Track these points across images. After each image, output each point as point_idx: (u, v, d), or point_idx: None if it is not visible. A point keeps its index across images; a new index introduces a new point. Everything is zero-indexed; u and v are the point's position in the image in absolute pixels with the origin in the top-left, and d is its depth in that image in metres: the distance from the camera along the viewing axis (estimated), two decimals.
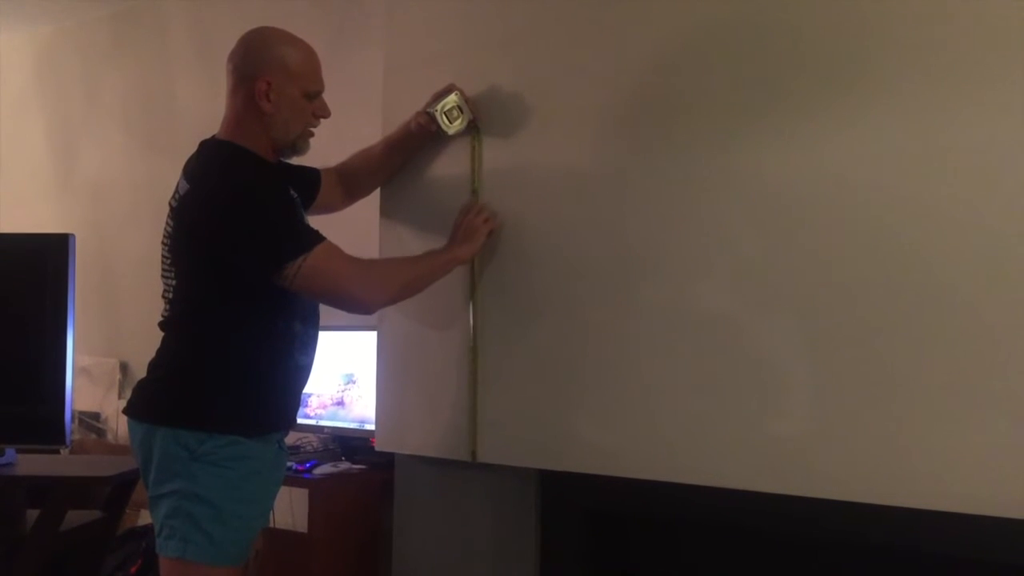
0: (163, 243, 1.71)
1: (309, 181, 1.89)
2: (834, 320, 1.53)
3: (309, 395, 2.81)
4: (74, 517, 2.52)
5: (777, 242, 1.59)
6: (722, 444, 1.61)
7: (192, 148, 1.74)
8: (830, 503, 1.51)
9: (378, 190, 2.08)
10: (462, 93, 1.88)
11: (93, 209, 3.93)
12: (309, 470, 2.62)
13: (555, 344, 1.82)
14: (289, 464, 2.20)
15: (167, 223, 1.70)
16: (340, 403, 2.83)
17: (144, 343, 1.80)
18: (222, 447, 1.60)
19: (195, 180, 1.66)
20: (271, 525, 2.21)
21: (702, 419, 1.64)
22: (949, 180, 1.44)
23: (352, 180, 1.99)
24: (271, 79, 1.66)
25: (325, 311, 1.75)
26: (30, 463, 2.61)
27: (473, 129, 1.92)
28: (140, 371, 1.75)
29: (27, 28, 4.22)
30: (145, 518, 3.12)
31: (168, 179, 1.76)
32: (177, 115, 3.64)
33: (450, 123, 1.87)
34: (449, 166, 1.99)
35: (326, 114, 1.75)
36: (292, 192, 1.76)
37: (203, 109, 2.78)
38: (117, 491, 2.67)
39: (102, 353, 3.79)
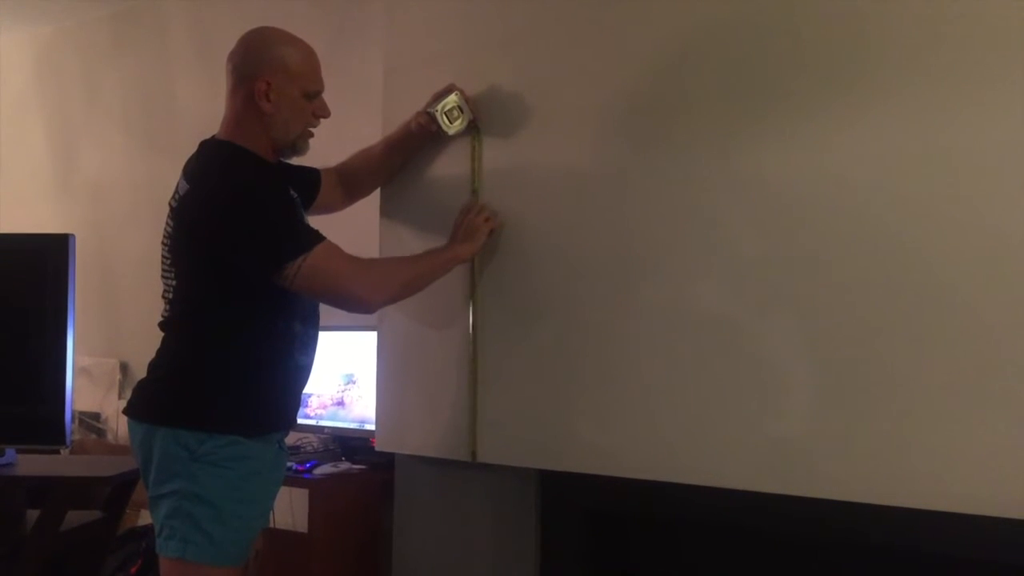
0: (163, 243, 1.71)
1: (309, 181, 1.89)
2: (834, 320, 1.52)
3: (309, 395, 2.80)
4: (74, 517, 2.52)
5: (777, 242, 1.59)
6: (722, 444, 1.61)
7: (192, 148, 1.74)
8: (830, 503, 1.51)
9: (378, 190, 2.08)
10: (462, 93, 1.88)
11: (93, 209, 3.93)
12: (309, 470, 2.62)
13: (555, 344, 1.82)
14: (289, 464, 2.20)
15: (167, 223, 1.70)
16: (340, 403, 2.83)
17: (144, 343, 1.80)
18: (222, 447, 1.60)
19: (195, 180, 1.66)
20: (271, 525, 2.21)
21: (702, 419, 1.64)
22: (949, 180, 1.44)
23: (352, 180, 1.99)
24: (271, 79, 1.66)
25: (325, 311, 1.75)
26: (30, 463, 2.61)
27: (473, 129, 1.92)
28: (140, 371, 1.75)
29: (27, 28, 4.21)
30: (145, 518, 3.11)
31: (168, 179, 1.76)
32: (177, 115, 3.64)
33: (450, 123, 1.87)
34: (449, 166, 1.99)
35: (326, 114, 1.75)
36: (292, 192, 1.76)
37: (203, 109, 2.77)
38: (117, 491, 2.67)
39: (102, 353, 3.79)
